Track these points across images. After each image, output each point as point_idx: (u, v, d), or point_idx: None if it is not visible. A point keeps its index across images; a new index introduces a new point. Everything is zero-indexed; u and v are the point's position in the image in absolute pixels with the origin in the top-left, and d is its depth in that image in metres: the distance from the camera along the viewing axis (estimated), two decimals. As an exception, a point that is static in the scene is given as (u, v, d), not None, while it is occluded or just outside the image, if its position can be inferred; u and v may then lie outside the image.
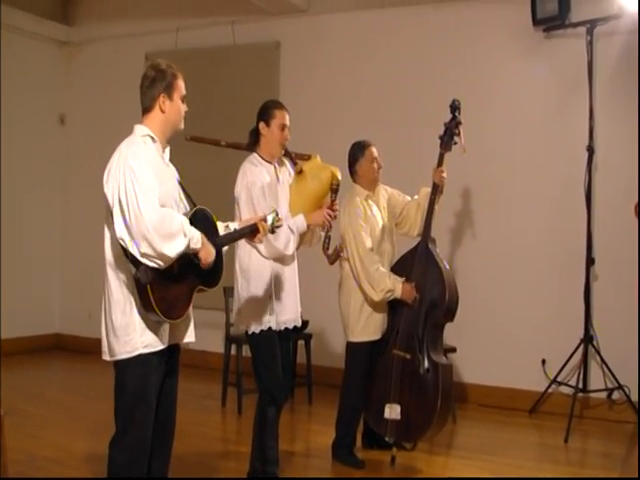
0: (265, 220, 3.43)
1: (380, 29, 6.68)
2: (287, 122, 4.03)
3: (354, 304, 4.62)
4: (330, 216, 4.04)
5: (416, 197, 4.81)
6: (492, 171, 6.18)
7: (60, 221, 8.43)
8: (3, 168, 7.62)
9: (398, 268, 4.66)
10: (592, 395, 5.70)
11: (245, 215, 3.89)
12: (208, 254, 3.11)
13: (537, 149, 6.07)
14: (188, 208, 3.28)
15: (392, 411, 4.48)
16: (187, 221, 3.05)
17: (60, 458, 4.62)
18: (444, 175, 4.61)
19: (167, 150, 3.27)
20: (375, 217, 4.67)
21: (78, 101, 8.37)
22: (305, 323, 5.83)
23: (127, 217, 2.90)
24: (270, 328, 4.00)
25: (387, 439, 4.55)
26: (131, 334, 3.06)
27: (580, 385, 5.49)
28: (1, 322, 7.32)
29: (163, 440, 3.30)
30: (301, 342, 6.24)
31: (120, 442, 3.13)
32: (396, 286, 4.52)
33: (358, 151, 4.72)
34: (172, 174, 3.29)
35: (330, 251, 4.43)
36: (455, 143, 4.64)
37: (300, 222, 3.97)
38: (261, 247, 3.91)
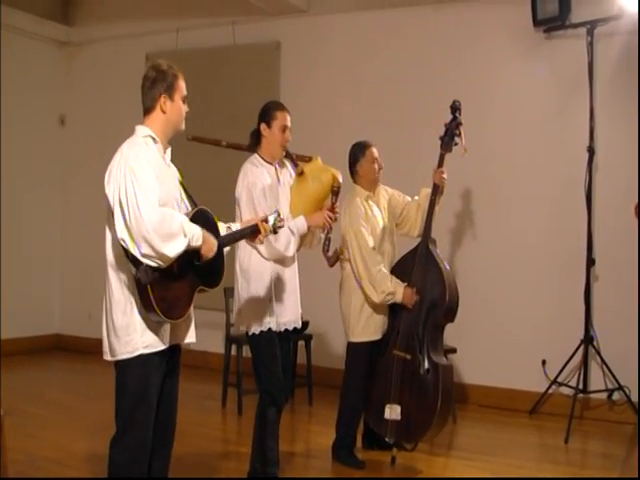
0: (266, 220, 3.43)
1: (380, 30, 6.68)
2: (288, 123, 4.03)
3: (355, 304, 4.62)
4: (330, 218, 4.04)
5: (416, 198, 4.81)
6: (492, 172, 6.18)
7: (60, 221, 8.43)
8: (3, 169, 7.62)
9: (398, 269, 4.66)
10: (592, 396, 5.70)
11: (246, 216, 3.89)
12: (210, 251, 3.12)
13: (537, 150, 6.07)
14: (189, 208, 3.28)
15: (392, 411, 4.48)
16: (187, 220, 3.05)
17: (60, 458, 4.62)
18: (444, 176, 4.61)
19: (168, 151, 3.27)
20: (376, 217, 4.68)
21: (78, 102, 8.37)
22: (305, 324, 5.82)
23: (127, 218, 2.90)
24: (270, 329, 4.00)
25: (387, 439, 4.55)
26: (132, 334, 3.06)
27: (580, 386, 5.49)
28: (1, 322, 7.31)
29: (163, 440, 3.30)
30: (301, 343, 6.23)
31: (120, 442, 3.13)
32: (397, 290, 4.52)
33: (359, 151, 4.72)
34: (173, 174, 3.29)
35: (330, 253, 4.43)
36: (456, 144, 4.64)
37: (301, 223, 3.97)
38: (261, 248, 3.91)
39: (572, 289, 5.72)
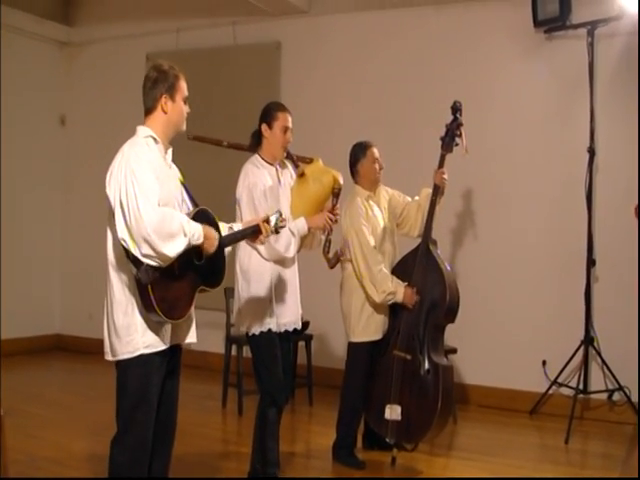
0: (268, 221, 3.43)
1: (381, 30, 6.68)
2: (289, 124, 4.03)
3: (355, 304, 4.62)
4: (331, 220, 4.03)
5: (417, 198, 4.81)
6: (493, 172, 6.18)
7: (61, 222, 8.43)
8: (3, 169, 7.62)
9: (399, 269, 4.66)
10: (592, 396, 5.70)
11: (246, 216, 3.90)
12: (211, 245, 3.13)
13: (538, 150, 6.07)
14: (191, 208, 3.28)
15: (393, 412, 4.47)
16: (187, 219, 3.05)
17: (60, 458, 4.62)
18: (445, 176, 4.61)
19: (170, 151, 3.27)
20: (376, 217, 4.68)
21: (78, 102, 8.37)
22: (306, 324, 5.82)
23: (128, 218, 2.91)
24: (270, 330, 4.00)
25: (388, 440, 4.55)
26: (133, 334, 3.07)
27: (580, 386, 5.49)
28: (2, 322, 7.31)
29: (164, 440, 3.30)
30: (301, 343, 6.23)
31: (121, 442, 3.14)
32: (398, 289, 4.52)
33: (360, 151, 4.73)
34: (175, 175, 3.30)
35: (331, 254, 4.43)
36: (456, 144, 4.64)
37: (301, 225, 3.97)
38: (261, 249, 3.91)
39: (572, 289, 5.72)
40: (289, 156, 4.11)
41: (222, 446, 5.27)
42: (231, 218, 3.82)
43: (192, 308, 3.21)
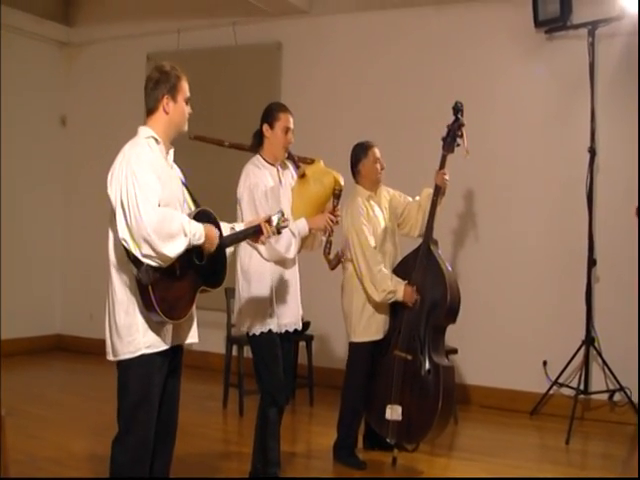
0: (270, 221, 3.42)
1: (381, 30, 6.68)
2: (291, 125, 4.03)
3: (356, 304, 4.62)
4: (332, 221, 4.03)
5: (417, 198, 4.81)
6: (493, 172, 6.19)
7: (61, 222, 8.43)
8: (4, 169, 7.62)
9: (400, 269, 4.66)
10: (593, 397, 5.70)
11: (247, 217, 3.90)
12: (212, 245, 3.14)
13: (538, 150, 6.07)
14: (192, 209, 3.29)
15: (393, 412, 4.47)
16: (187, 220, 3.05)
17: (61, 458, 4.61)
18: (446, 177, 4.61)
19: (171, 152, 3.27)
20: (377, 217, 4.68)
21: (79, 102, 8.37)
22: (306, 324, 5.83)
23: (128, 219, 2.92)
24: (271, 330, 4.00)
25: (388, 440, 4.55)
26: (134, 334, 3.07)
27: (581, 387, 5.49)
28: (2, 323, 7.31)
29: (165, 440, 3.30)
30: (302, 343, 6.23)
31: (123, 442, 3.14)
32: (398, 288, 4.52)
33: (361, 152, 4.73)
34: (176, 175, 3.30)
35: (331, 256, 4.43)
36: (458, 145, 4.63)
37: (302, 226, 3.96)
38: (262, 249, 3.91)
39: (573, 290, 5.73)
40: (290, 157, 4.11)
41: (223, 446, 5.27)
42: (232, 218, 3.82)
43: (193, 308, 3.22)
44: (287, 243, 3.91)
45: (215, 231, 3.17)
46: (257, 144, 4.08)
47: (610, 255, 5.74)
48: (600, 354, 5.59)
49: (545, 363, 5.92)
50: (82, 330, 8.05)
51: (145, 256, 2.90)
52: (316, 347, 6.40)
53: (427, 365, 4.47)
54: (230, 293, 5.28)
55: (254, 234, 3.43)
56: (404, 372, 4.50)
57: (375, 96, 6.70)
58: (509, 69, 6.19)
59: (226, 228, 3.41)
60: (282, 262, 4.02)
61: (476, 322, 5.95)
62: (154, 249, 2.89)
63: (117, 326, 3.09)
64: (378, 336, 4.65)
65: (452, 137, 4.63)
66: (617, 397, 5.66)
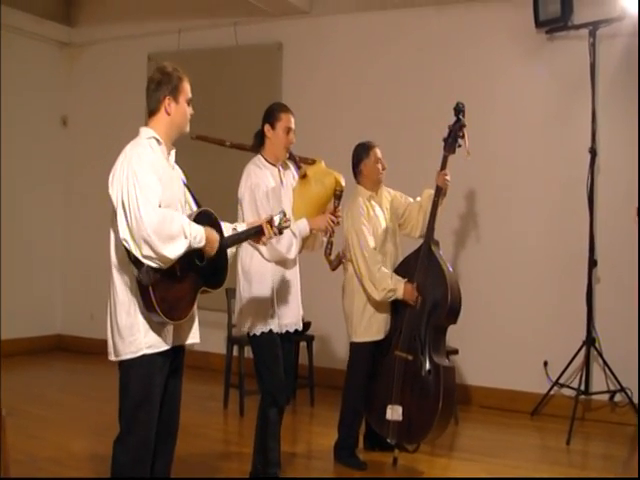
0: (271, 221, 3.42)
1: (382, 31, 6.68)
2: (292, 125, 4.04)
3: (357, 304, 4.62)
4: (333, 222, 4.03)
5: (418, 199, 4.81)
6: (494, 173, 6.18)
7: (62, 222, 8.43)
8: (5, 169, 7.62)
9: (401, 269, 4.66)
10: (594, 397, 5.69)
11: (248, 217, 3.90)
12: (212, 248, 3.14)
13: (539, 151, 6.07)
14: (194, 210, 3.29)
15: (394, 412, 4.47)
16: (188, 221, 3.05)
17: (61, 459, 4.62)
18: (447, 178, 4.60)
19: (173, 152, 3.28)
20: (378, 217, 4.68)
21: (80, 103, 8.37)
22: (307, 325, 5.84)
23: (128, 219, 2.93)
24: (271, 330, 4.01)
25: (389, 440, 4.55)
26: (135, 334, 3.08)
27: (582, 387, 5.48)
28: (3, 323, 7.31)
29: (166, 440, 3.31)
30: (303, 344, 6.23)
31: (124, 442, 3.15)
32: (398, 286, 4.52)
33: (363, 152, 4.73)
34: (178, 176, 3.31)
35: (332, 256, 4.43)
36: (459, 146, 4.63)
37: (303, 226, 3.96)
38: (263, 249, 3.91)
39: (574, 290, 5.72)
40: (291, 157, 4.11)
41: (223, 446, 5.27)
42: (233, 218, 3.82)
43: (194, 309, 3.22)
44: (288, 243, 3.91)
45: (216, 235, 3.17)
46: (258, 144, 4.09)
47: (611, 256, 5.74)
48: (601, 355, 5.59)
49: (546, 363, 5.92)
50: (82, 330, 8.06)
51: (145, 257, 2.91)
52: (317, 347, 6.40)
53: (427, 365, 4.47)
54: (231, 293, 5.28)
55: (255, 235, 3.43)
56: (405, 372, 4.50)
57: (375, 96, 6.69)
58: (510, 69, 6.18)
59: (228, 228, 3.42)
60: (283, 262, 4.02)
61: (477, 322, 5.94)
62: (154, 250, 2.89)
63: (118, 326, 3.10)
64: (379, 336, 4.65)
65: (453, 138, 4.62)
66: (618, 398, 5.65)
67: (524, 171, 6.12)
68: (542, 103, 6.08)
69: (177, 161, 3.30)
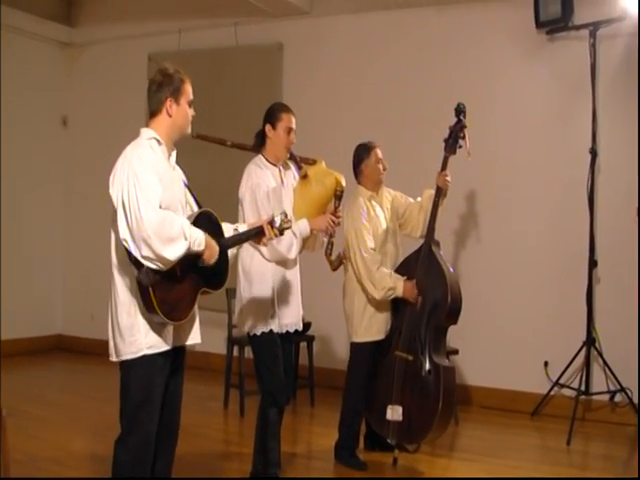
0: (272, 222, 3.42)
1: (382, 31, 6.68)
2: (293, 125, 4.04)
3: (358, 304, 4.62)
4: (333, 222, 4.03)
5: (419, 199, 4.81)
6: (494, 173, 6.18)
7: (62, 222, 8.43)
8: (5, 170, 7.62)
9: (402, 270, 4.66)
10: (594, 397, 5.69)
11: (249, 217, 3.91)
12: (212, 257, 3.13)
13: (539, 151, 6.06)
14: (195, 210, 3.29)
15: (394, 412, 4.48)
16: (188, 224, 3.06)
17: (61, 459, 4.62)
18: (448, 179, 4.61)
19: (173, 153, 3.28)
20: (378, 218, 4.68)
21: (80, 103, 8.37)
22: (307, 325, 5.84)
23: (129, 220, 2.93)
24: (272, 330, 4.01)
25: (389, 441, 4.55)
26: (136, 335, 3.08)
27: (582, 387, 5.48)
28: (3, 323, 7.31)
29: (167, 440, 3.31)
30: (303, 344, 6.23)
31: (125, 442, 3.15)
32: (397, 284, 4.52)
33: (364, 152, 4.73)
34: (178, 177, 3.31)
35: (333, 257, 4.43)
36: (460, 147, 4.63)
37: (303, 226, 3.96)
38: (263, 250, 3.91)
39: (574, 291, 5.72)
40: (292, 157, 4.11)
41: (224, 447, 5.27)
42: (234, 218, 3.82)
43: (195, 309, 3.22)
44: (288, 244, 3.91)
45: (215, 245, 3.16)
46: (259, 144, 4.09)
47: (611, 256, 5.73)
48: (601, 355, 5.59)
49: (546, 364, 5.92)
50: (83, 330, 8.05)
51: (144, 258, 2.91)
52: (317, 348, 6.40)
53: (427, 366, 4.47)
54: (231, 294, 5.28)
55: (256, 235, 3.44)
56: (405, 372, 4.51)
57: (376, 97, 6.69)
58: (510, 70, 6.18)
59: (229, 229, 3.42)
60: (283, 263, 4.03)
61: (477, 323, 5.94)
62: (154, 251, 2.89)
63: (119, 327, 3.10)
64: (379, 336, 4.65)
65: (454, 139, 4.63)
66: (618, 398, 5.65)
67: (524, 171, 6.12)
68: (542, 103, 6.08)
69: (177, 161, 3.31)
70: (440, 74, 6.40)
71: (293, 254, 3.98)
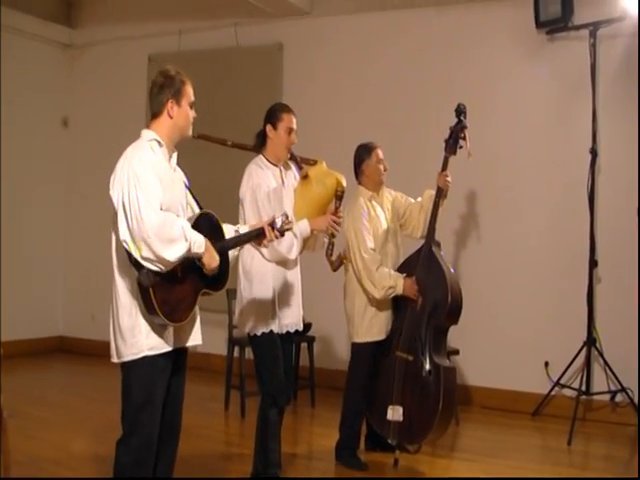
0: (273, 224, 3.43)
1: (383, 32, 6.68)
2: (294, 126, 4.04)
3: (359, 305, 4.62)
4: (334, 222, 4.03)
5: (419, 199, 4.81)
6: (495, 173, 6.18)
7: (63, 223, 8.43)
8: (6, 170, 7.62)
9: (403, 270, 4.65)
10: (595, 398, 5.69)
11: (249, 217, 3.91)
12: (212, 260, 3.13)
13: (540, 151, 6.07)
14: (196, 211, 3.30)
15: (394, 413, 4.48)
16: (189, 225, 3.06)
17: (62, 460, 4.62)
18: (449, 179, 4.61)
19: (174, 155, 3.29)
20: (379, 218, 4.68)
21: (81, 104, 8.38)
22: (308, 326, 5.84)
23: (129, 220, 2.94)
24: (272, 331, 4.01)
25: (390, 441, 4.55)
26: (137, 336, 3.08)
27: (583, 388, 5.49)
28: (3, 324, 7.30)
29: (169, 441, 3.32)
30: (304, 345, 6.23)
31: (126, 443, 3.15)
32: (397, 282, 4.53)
33: (364, 152, 4.74)
34: (179, 179, 3.31)
35: (334, 257, 4.43)
36: (460, 147, 4.63)
37: (304, 227, 3.96)
38: (264, 250, 3.91)
39: (575, 291, 5.72)
40: (293, 157, 4.11)
41: (225, 447, 5.27)
42: (234, 218, 3.83)
43: (196, 310, 3.23)
44: (289, 244, 3.91)
45: (214, 252, 3.16)
46: (260, 144, 4.09)
47: (611, 256, 5.74)
48: (602, 355, 5.59)
49: (547, 364, 5.92)
50: (84, 332, 8.06)
51: (144, 259, 2.92)
52: (318, 348, 6.40)
53: (428, 366, 4.47)
54: (232, 294, 5.27)
55: (257, 237, 3.44)
56: (405, 373, 4.51)
57: (376, 97, 6.70)
58: (510, 70, 6.18)
59: (230, 231, 3.42)
60: (284, 263, 4.03)
61: (478, 323, 5.94)
62: (154, 252, 2.90)
63: (121, 328, 3.11)
64: (380, 336, 4.65)
65: (454, 139, 4.63)
66: (619, 398, 5.65)
67: (525, 171, 6.12)
68: (543, 104, 6.08)
69: (178, 161, 3.31)
70: (440, 74, 6.40)
71: (293, 255, 3.98)
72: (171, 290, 3.03)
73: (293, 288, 4.10)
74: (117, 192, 3.00)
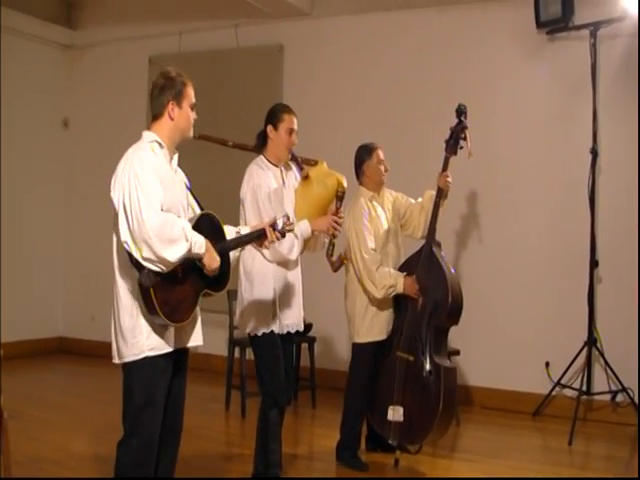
0: (274, 225, 3.43)
1: (383, 32, 6.69)
2: (295, 126, 4.05)
3: (359, 305, 4.62)
4: (335, 223, 4.03)
5: (420, 199, 4.81)
6: (496, 174, 6.18)
7: (63, 224, 8.43)
8: (6, 171, 7.62)
9: (404, 270, 4.65)
10: (596, 398, 5.69)
11: (250, 217, 3.91)
12: (212, 260, 3.13)
13: (540, 151, 6.07)
14: (197, 212, 3.30)
15: (395, 413, 4.48)
16: (189, 226, 3.06)
17: (63, 460, 4.62)
18: (449, 180, 4.61)
19: (175, 156, 3.29)
20: (380, 218, 4.68)
21: (81, 105, 8.38)
22: (309, 326, 5.85)
23: (130, 222, 2.94)
24: (273, 331, 4.01)
25: (390, 441, 4.55)
26: (138, 337, 3.09)
27: (584, 388, 5.49)
28: (3, 325, 7.30)
29: (170, 442, 3.32)
30: (304, 345, 6.24)
31: (128, 444, 3.15)
32: (398, 281, 4.53)
33: (365, 153, 4.74)
34: (180, 180, 3.31)
35: (335, 258, 4.43)
36: (461, 147, 4.63)
37: (305, 227, 3.96)
38: (265, 251, 3.91)
39: (575, 291, 5.72)
40: (294, 158, 4.12)
41: (225, 448, 5.27)
42: (235, 218, 3.83)
43: (197, 311, 3.23)
44: (290, 245, 3.91)
45: (215, 253, 3.16)
46: (261, 145, 4.10)
47: (612, 256, 5.74)
48: (602, 355, 5.59)
49: (547, 364, 5.92)
50: (84, 332, 8.06)
51: (145, 259, 2.92)
52: (318, 349, 6.39)
53: (428, 366, 4.47)
54: (232, 295, 5.28)
55: (258, 238, 3.44)
56: (406, 373, 4.51)
57: (377, 98, 6.70)
58: (511, 70, 6.18)
59: (231, 232, 3.43)
60: (285, 264, 4.03)
61: (478, 323, 5.94)
62: (155, 253, 2.90)
63: (121, 329, 3.11)
64: (381, 337, 4.65)
65: (455, 140, 4.63)
66: (619, 398, 5.65)
67: (525, 172, 6.12)
68: (543, 104, 6.08)
69: (179, 161, 3.31)
70: (441, 75, 6.41)
71: (294, 255, 3.98)
72: (172, 290, 3.03)
73: (294, 289, 4.10)
74: (118, 193, 3.01)
